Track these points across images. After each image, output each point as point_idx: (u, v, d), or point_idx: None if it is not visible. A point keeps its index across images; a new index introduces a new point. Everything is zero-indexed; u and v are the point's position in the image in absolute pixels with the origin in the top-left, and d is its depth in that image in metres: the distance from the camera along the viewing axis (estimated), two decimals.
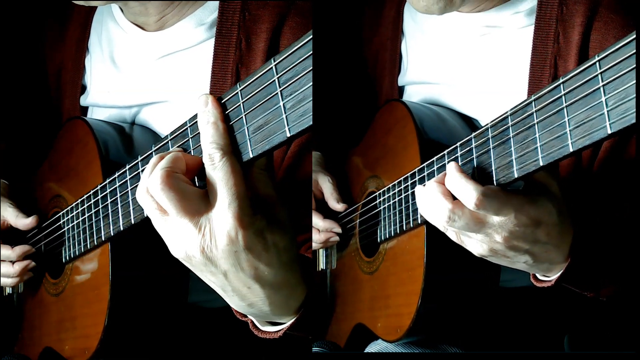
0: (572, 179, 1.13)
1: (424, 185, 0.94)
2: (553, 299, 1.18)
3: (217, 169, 0.83)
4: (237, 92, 0.83)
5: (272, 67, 0.79)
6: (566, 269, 0.97)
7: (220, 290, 0.89)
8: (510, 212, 0.89)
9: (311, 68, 0.76)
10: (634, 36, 0.70)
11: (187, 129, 0.90)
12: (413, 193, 1.10)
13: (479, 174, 0.92)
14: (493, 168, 0.89)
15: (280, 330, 0.96)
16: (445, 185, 0.90)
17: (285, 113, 0.78)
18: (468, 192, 0.88)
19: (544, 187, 0.92)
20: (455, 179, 0.89)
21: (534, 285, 1.04)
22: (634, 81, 0.70)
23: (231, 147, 0.84)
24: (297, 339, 0.99)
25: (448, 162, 0.97)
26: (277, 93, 0.79)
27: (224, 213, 0.82)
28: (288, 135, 0.79)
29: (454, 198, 0.90)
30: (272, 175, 0.89)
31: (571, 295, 1.06)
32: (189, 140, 0.90)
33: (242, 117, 0.83)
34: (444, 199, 0.90)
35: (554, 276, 1.00)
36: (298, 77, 0.77)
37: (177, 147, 0.91)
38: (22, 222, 1.24)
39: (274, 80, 0.79)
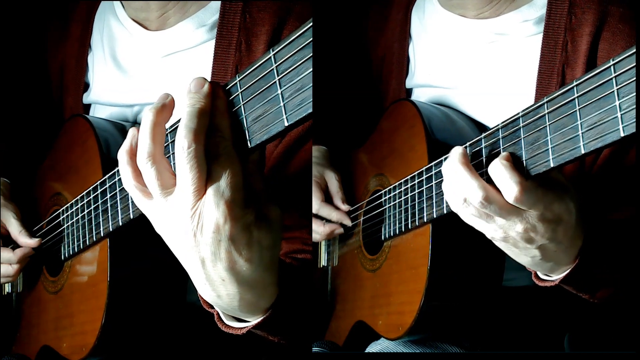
0: (575, 183, 1.14)
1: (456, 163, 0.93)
2: (554, 298, 1.19)
3: (221, 158, 0.81)
4: (236, 83, 0.82)
5: (270, 57, 0.78)
6: (571, 271, 0.98)
7: (193, 276, 0.88)
8: (541, 208, 0.89)
9: (309, 56, 0.75)
10: None
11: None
12: (420, 192, 1.11)
13: (488, 174, 0.92)
14: None
15: (245, 327, 0.95)
16: (489, 171, 0.90)
17: (283, 101, 0.77)
18: (511, 185, 0.87)
19: (566, 187, 0.92)
20: (500, 167, 0.88)
21: (535, 285, 1.04)
22: None
23: (232, 135, 0.83)
24: (261, 338, 0.98)
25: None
26: (275, 82, 0.78)
27: (216, 200, 0.81)
28: (286, 124, 0.78)
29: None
30: (262, 170, 0.88)
31: (571, 295, 1.07)
32: None
33: (240, 107, 0.82)
34: (481, 183, 0.90)
35: (556, 276, 1.00)
36: (296, 66, 0.76)
37: None
38: (25, 240, 1.24)
39: (272, 69, 0.78)
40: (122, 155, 0.87)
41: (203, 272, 0.86)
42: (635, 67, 0.72)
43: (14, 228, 1.25)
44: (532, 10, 1.19)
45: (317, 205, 1.33)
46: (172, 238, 0.85)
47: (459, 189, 0.92)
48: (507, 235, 0.92)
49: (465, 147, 0.96)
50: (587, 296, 1.04)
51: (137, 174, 0.86)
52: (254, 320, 0.94)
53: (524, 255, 0.96)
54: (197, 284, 0.89)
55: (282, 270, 0.92)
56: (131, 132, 0.87)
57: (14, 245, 1.25)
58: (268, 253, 0.86)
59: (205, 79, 0.84)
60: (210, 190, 0.81)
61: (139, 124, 1.21)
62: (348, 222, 1.33)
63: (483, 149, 0.94)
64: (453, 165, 0.93)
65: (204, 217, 0.82)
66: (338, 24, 1.44)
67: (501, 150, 0.91)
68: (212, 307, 0.97)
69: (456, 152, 0.93)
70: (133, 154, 0.86)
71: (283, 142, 1.11)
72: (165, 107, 0.85)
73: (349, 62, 1.45)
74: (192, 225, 0.82)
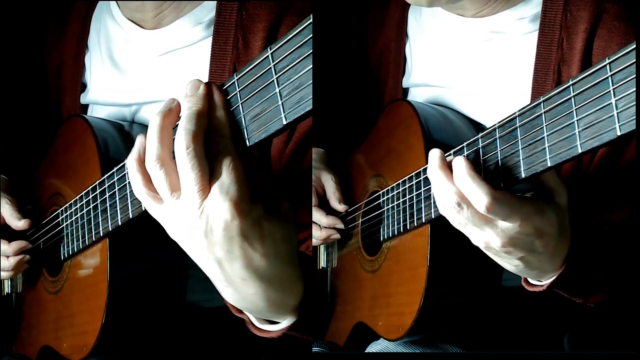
0: (571, 183, 1.14)
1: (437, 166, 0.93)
2: (553, 298, 1.18)
3: (221, 156, 0.82)
4: (234, 81, 0.83)
5: (268, 55, 0.79)
6: (559, 276, 0.98)
7: (215, 281, 0.88)
8: (517, 220, 0.89)
9: (307, 54, 0.75)
10: None
11: None
12: (418, 192, 1.11)
13: (485, 175, 0.92)
14: (500, 168, 0.90)
15: (280, 330, 0.95)
16: (454, 182, 0.90)
17: (281, 100, 0.78)
18: (479, 196, 0.87)
19: (552, 196, 0.92)
20: (465, 179, 0.89)
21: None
22: None
23: (231, 132, 0.83)
24: (295, 340, 0.97)
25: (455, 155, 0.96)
26: (273, 80, 0.79)
27: (222, 197, 0.81)
28: (284, 122, 0.78)
29: None
30: (269, 165, 0.88)
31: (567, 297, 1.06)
32: None
33: (238, 105, 0.83)
34: (453, 187, 0.90)
35: (545, 281, 1.00)
36: (294, 64, 0.76)
37: None
38: (15, 223, 1.24)
39: (270, 67, 0.79)
40: (132, 162, 0.87)
41: (222, 274, 0.86)
42: (635, 64, 0.71)
43: (7, 212, 1.25)
44: (527, 7, 1.18)
45: None
46: (186, 242, 0.86)
47: (436, 192, 0.92)
48: (488, 245, 0.92)
49: (450, 153, 0.96)
50: (580, 300, 1.04)
51: (147, 180, 0.86)
52: (285, 320, 0.93)
53: (507, 263, 0.96)
54: (219, 288, 0.89)
55: (305, 263, 0.92)
56: (139, 139, 0.88)
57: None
58: (284, 246, 0.86)
59: (201, 81, 0.85)
60: (215, 188, 0.82)
61: (137, 123, 1.22)
62: (340, 226, 1.33)
63: (480, 149, 0.93)
64: (430, 169, 0.93)
65: (211, 216, 0.82)
66: (338, 23, 1.45)
67: (498, 153, 0.90)
68: (241, 312, 0.97)
69: (433, 155, 0.93)
70: (142, 161, 0.87)
71: (294, 139, 1.11)
72: (172, 110, 0.86)
73: (348, 61, 1.45)
74: (202, 225, 0.82)
